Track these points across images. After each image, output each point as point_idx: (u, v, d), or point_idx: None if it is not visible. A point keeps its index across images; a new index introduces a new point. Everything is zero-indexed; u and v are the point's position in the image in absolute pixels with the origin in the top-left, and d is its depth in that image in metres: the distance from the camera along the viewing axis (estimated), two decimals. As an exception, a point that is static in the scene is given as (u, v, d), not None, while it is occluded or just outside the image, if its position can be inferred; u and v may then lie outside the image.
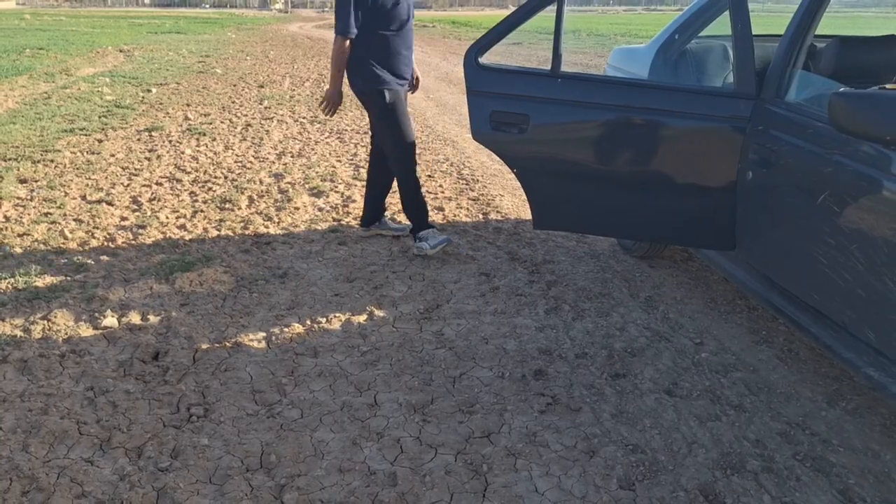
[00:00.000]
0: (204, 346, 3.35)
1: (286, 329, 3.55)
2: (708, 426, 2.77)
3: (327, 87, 4.37)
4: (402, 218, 5.05)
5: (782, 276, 3.07)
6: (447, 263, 4.43)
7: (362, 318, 3.69)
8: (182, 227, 5.09)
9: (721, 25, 4.10)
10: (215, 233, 4.98)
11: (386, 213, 4.93)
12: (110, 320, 3.57)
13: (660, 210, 3.44)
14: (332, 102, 4.33)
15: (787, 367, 3.22)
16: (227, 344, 3.39)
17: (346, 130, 8.69)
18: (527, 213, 5.51)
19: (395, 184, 4.60)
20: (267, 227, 5.15)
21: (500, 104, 3.47)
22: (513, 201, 5.84)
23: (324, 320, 3.65)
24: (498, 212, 5.54)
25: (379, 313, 3.74)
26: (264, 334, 3.50)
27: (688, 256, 4.54)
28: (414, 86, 4.67)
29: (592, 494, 2.39)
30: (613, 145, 3.45)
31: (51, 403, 2.85)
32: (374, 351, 3.34)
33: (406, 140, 4.34)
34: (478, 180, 6.51)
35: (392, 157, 4.43)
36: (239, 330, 3.53)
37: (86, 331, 3.48)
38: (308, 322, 3.64)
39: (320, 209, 5.60)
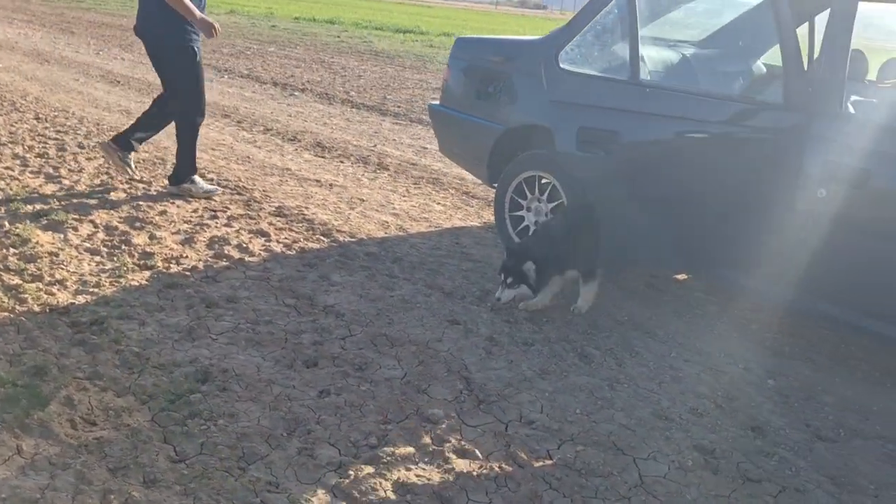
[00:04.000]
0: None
1: (358, 467, 2.29)
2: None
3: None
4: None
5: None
6: (393, 313, 3.42)
7: (409, 424, 2.60)
8: None
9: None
10: (-24, 316, 2.98)
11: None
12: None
13: (737, 233, 3.14)
14: (207, 28, 4.53)
15: (857, 383, 3.25)
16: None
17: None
18: (365, 225, 4.61)
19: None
20: (50, 290, 3.30)
21: (587, 119, 2.72)
22: (323, 212, 4.83)
23: (363, 440, 2.47)
24: (338, 231, 4.50)
25: (432, 410, 2.68)
26: (345, 480, 2.20)
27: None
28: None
29: None
30: (711, 166, 3.01)
31: None
32: (516, 479, 2.37)
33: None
34: (243, 186, 5.20)
35: None
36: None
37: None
38: (355, 452, 2.41)
39: (92, 251, 3.81)
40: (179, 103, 4.75)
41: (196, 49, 4.62)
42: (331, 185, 5.55)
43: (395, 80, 11.88)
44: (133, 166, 4.98)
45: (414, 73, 12.90)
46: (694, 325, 3.61)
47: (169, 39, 4.56)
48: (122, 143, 4.88)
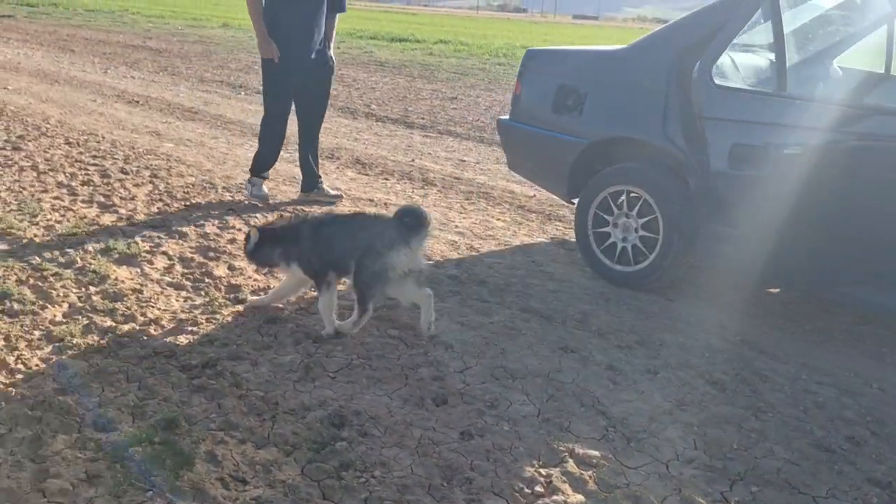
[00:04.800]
0: None
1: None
2: None
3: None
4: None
5: None
6: (501, 342, 3.28)
7: (568, 467, 2.45)
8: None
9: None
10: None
11: (321, 179, 5.23)
12: None
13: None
14: (265, 50, 4.83)
15: None
16: None
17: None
18: (435, 245, 4.48)
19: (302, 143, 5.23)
20: (147, 331, 3.12)
21: (741, 135, 2.60)
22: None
23: (527, 488, 2.31)
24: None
25: (586, 451, 2.53)
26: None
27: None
28: None
29: None
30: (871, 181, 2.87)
31: None
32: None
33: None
34: (301, 209, 5.05)
35: None
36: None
37: None
38: (524, 502, 2.26)
39: (176, 286, 3.64)
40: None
41: (276, 59, 4.79)
42: (385, 203, 5.40)
43: (409, 91, 11.76)
44: (327, 190, 5.29)
45: (425, 84, 12.79)
46: (808, 343, 3.50)
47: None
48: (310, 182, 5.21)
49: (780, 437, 2.69)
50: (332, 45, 5.21)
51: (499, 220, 5.24)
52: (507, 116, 4.65)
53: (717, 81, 2.76)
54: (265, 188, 5.17)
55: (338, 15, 5.28)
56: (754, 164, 2.73)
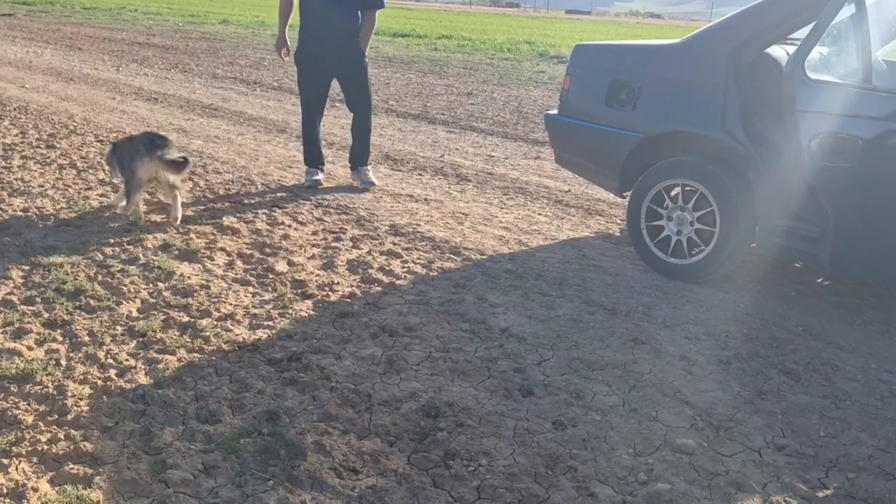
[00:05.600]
0: None
1: None
2: None
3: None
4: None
5: None
6: (572, 335, 3.31)
7: (666, 456, 2.48)
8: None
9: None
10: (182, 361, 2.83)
11: (368, 167, 5.58)
12: None
13: None
14: (277, 49, 5.49)
15: None
16: None
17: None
18: (484, 240, 4.49)
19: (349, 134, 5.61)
20: (226, 326, 3.14)
21: (830, 126, 2.63)
22: (436, 229, 4.71)
23: (629, 476, 2.35)
24: (465, 248, 4.38)
25: (681, 441, 2.56)
26: None
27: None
28: None
29: None
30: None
31: None
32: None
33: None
34: (345, 205, 5.07)
35: None
36: None
37: None
38: (630, 490, 2.29)
39: (242, 282, 3.67)
40: None
41: (299, 57, 5.29)
42: (426, 199, 5.43)
43: (423, 86, 11.78)
44: (367, 175, 5.59)
45: (437, 79, 12.80)
46: (870, 333, 3.55)
47: None
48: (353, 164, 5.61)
49: (864, 425, 2.73)
50: (368, 42, 5.26)
51: (540, 214, 5.27)
52: (554, 111, 4.67)
53: (811, 75, 2.80)
54: (318, 175, 5.50)
55: (377, 11, 5.31)
56: (856, 157, 2.76)
